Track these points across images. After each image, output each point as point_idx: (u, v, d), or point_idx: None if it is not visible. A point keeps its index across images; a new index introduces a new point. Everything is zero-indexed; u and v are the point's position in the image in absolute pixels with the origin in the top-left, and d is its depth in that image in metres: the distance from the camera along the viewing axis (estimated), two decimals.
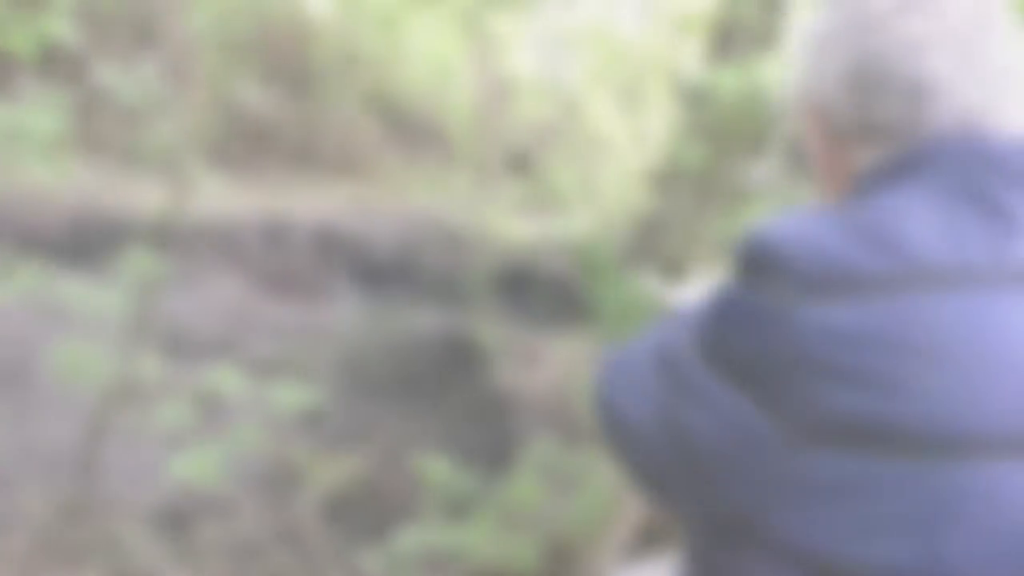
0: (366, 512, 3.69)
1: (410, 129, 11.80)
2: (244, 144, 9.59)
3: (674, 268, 4.10)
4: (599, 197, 6.05)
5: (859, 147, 0.80)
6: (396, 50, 12.05)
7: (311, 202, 8.56)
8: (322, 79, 11.11)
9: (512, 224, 5.57)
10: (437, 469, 3.13)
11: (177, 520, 3.35)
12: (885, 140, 0.78)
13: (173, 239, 6.47)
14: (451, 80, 11.75)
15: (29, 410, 4.11)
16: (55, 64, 9.32)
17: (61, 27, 1.90)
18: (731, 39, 3.94)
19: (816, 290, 0.65)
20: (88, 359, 3.22)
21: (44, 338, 4.87)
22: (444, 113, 12.00)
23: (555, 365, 4.84)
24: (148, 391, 3.52)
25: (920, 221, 0.67)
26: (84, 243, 6.28)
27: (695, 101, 4.19)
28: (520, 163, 11.46)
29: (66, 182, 6.91)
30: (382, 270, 7.15)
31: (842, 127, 0.80)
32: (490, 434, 4.33)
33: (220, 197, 7.82)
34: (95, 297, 3.26)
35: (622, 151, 7.75)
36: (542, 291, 4.93)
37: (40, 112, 3.02)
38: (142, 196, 7.20)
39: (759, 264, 0.70)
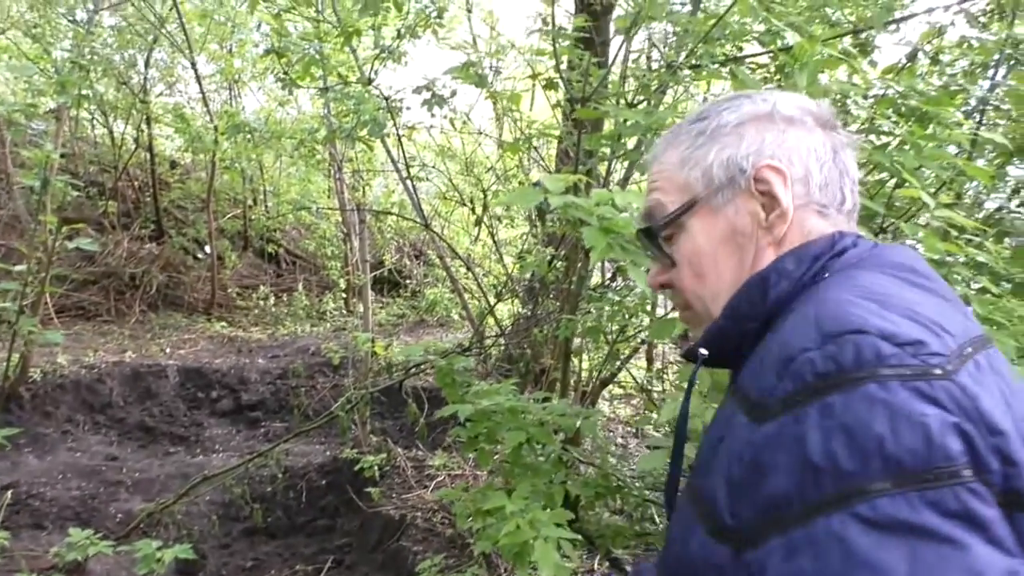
0: None
1: (278, 262, 11.77)
2: (103, 292, 9.27)
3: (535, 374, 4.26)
4: (470, 308, 6.21)
5: (814, 218, 0.94)
6: (256, 187, 12.14)
7: (178, 345, 8.31)
8: (181, 220, 10.99)
9: (385, 344, 5.60)
10: None
11: None
12: (829, 215, 0.95)
13: (26, 400, 6.12)
14: (316, 211, 11.89)
15: None
16: None
17: None
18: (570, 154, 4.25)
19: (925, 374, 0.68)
20: None
21: None
22: (313, 242, 12.08)
23: (439, 479, 4.82)
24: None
25: (926, 306, 0.76)
26: None
27: (542, 214, 4.47)
28: (396, 281, 11.59)
29: None
30: (257, 406, 6.97)
31: (812, 196, 0.94)
32: (380, 560, 4.23)
33: (80, 349, 7.50)
34: None
35: (488, 263, 8.02)
36: (412, 411, 4.95)
37: None
38: None
39: (880, 358, 0.69)
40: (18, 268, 2.96)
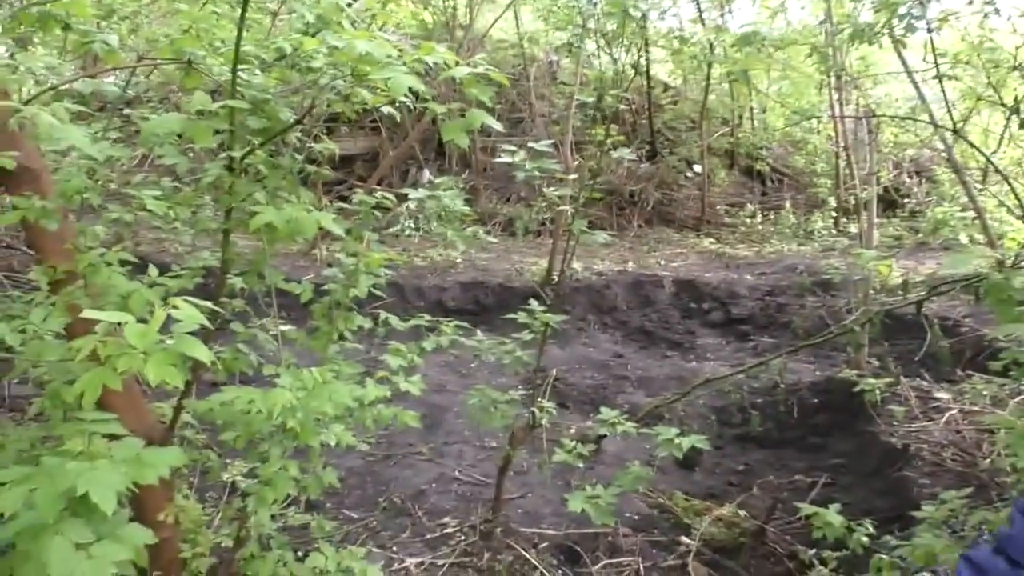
0: (749, 562, 3.64)
1: (765, 179, 11.63)
2: (606, 207, 10.24)
3: None
4: (991, 228, 5.40)
5: None
6: (745, 104, 12.05)
7: (671, 258, 8.83)
8: (673, 141, 11.47)
9: (891, 265, 5.19)
10: (831, 522, 2.99)
11: (571, 553, 3.61)
12: None
13: (556, 299, 7.11)
14: (808, 124, 11.39)
15: (445, 446, 4.76)
16: (445, 157, 10.86)
17: (486, 117, 2.29)
18: None
19: None
20: (494, 405, 3.66)
21: (455, 385, 5.66)
22: (802, 158, 11.64)
23: (951, 414, 4.38)
24: (544, 434, 3.89)
25: None
26: (478, 305, 7.18)
27: None
28: (892, 200, 10.63)
29: (463, 254, 7.99)
30: (747, 320, 7.09)
31: None
32: (880, 486, 4.03)
33: (589, 258, 8.44)
34: (503, 350, 3.71)
35: (1017, 175, 6.84)
36: (936, 334, 4.50)
37: (451, 196, 3.59)
38: (521, 263, 8.04)
39: None
40: (573, 177, 3.40)
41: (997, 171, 4.84)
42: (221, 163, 2.52)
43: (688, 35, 10.99)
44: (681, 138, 11.33)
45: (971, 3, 4.04)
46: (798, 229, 10.15)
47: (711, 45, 9.99)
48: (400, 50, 2.38)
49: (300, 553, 2.95)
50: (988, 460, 3.77)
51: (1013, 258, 2.27)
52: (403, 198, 3.43)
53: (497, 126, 2.38)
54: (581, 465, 3.52)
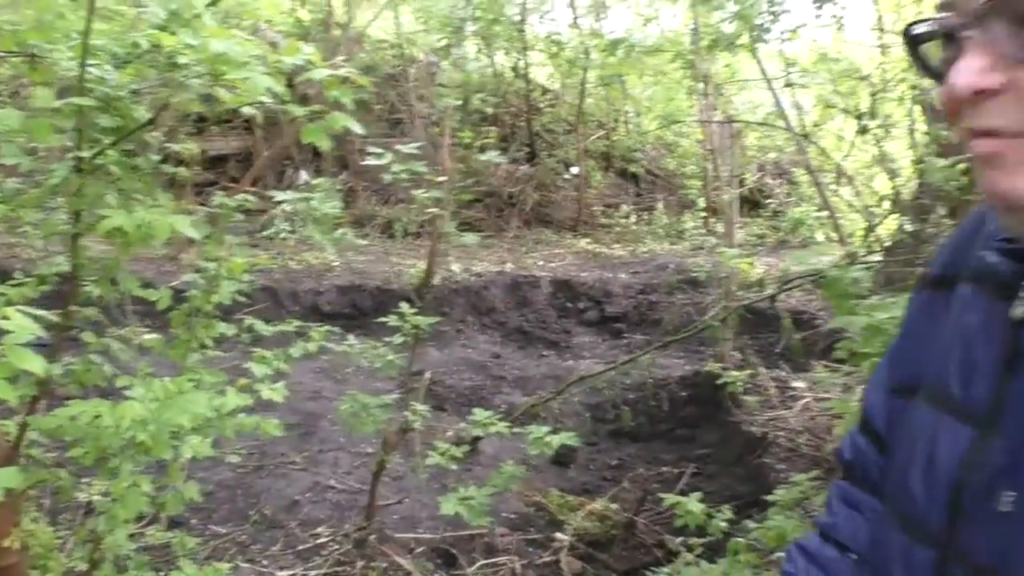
0: (620, 553, 3.76)
1: (639, 181, 12.02)
2: (485, 209, 10.32)
3: None
4: (841, 227, 5.78)
5: None
6: (620, 108, 12.41)
7: (548, 258, 8.99)
8: (551, 143, 11.69)
9: (752, 262, 5.48)
10: (692, 510, 3.13)
11: (447, 556, 3.63)
12: None
13: (429, 302, 7.11)
14: (679, 128, 11.86)
15: (319, 454, 4.67)
16: (321, 157, 10.65)
17: (347, 120, 2.27)
18: None
19: None
20: (367, 409, 3.62)
21: (330, 391, 5.55)
22: (673, 161, 12.11)
23: (805, 402, 4.66)
24: (418, 437, 3.88)
25: None
26: (355, 308, 7.08)
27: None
28: (755, 201, 11.20)
29: (342, 255, 7.86)
30: (621, 318, 7.31)
31: None
32: (741, 473, 4.24)
33: (468, 259, 8.48)
34: (375, 354, 3.68)
35: (863, 178, 7.35)
36: (786, 327, 4.78)
37: (323, 198, 3.54)
38: (400, 265, 7.99)
39: None
40: (441, 179, 3.41)
41: (843, 175, 5.18)
42: (69, 163, 2.38)
43: (565, 39, 11.24)
44: (559, 141, 11.54)
45: (819, 17, 4.31)
46: (670, 229, 10.54)
47: (586, 50, 10.25)
48: (273, 45, 2.32)
49: (162, 574, 2.83)
50: (832, 444, 4.04)
51: (848, 256, 2.44)
52: (268, 200, 3.35)
53: (359, 129, 2.35)
54: (456, 467, 3.54)
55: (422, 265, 7.35)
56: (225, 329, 3.00)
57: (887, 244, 4.69)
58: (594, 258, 9.08)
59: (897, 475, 0.82)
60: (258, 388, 2.93)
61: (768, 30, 3.87)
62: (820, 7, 3.54)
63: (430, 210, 3.27)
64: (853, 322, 2.19)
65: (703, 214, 10.67)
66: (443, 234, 3.31)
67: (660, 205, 11.04)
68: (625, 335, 7.12)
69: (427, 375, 4.40)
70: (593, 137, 11.74)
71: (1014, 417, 0.67)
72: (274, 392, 2.88)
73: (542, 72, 13.01)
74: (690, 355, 6.38)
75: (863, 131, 4.52)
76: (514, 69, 11.53)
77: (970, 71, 0.63)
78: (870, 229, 4.20)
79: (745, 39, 4.26)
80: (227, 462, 4.20)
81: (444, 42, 10.03)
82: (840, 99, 5.81)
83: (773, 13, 4.35)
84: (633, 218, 10.76)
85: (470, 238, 3.40)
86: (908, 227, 4.56)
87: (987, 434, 0.69)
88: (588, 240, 10.04)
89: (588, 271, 8.36)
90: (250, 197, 3.01)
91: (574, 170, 10.91)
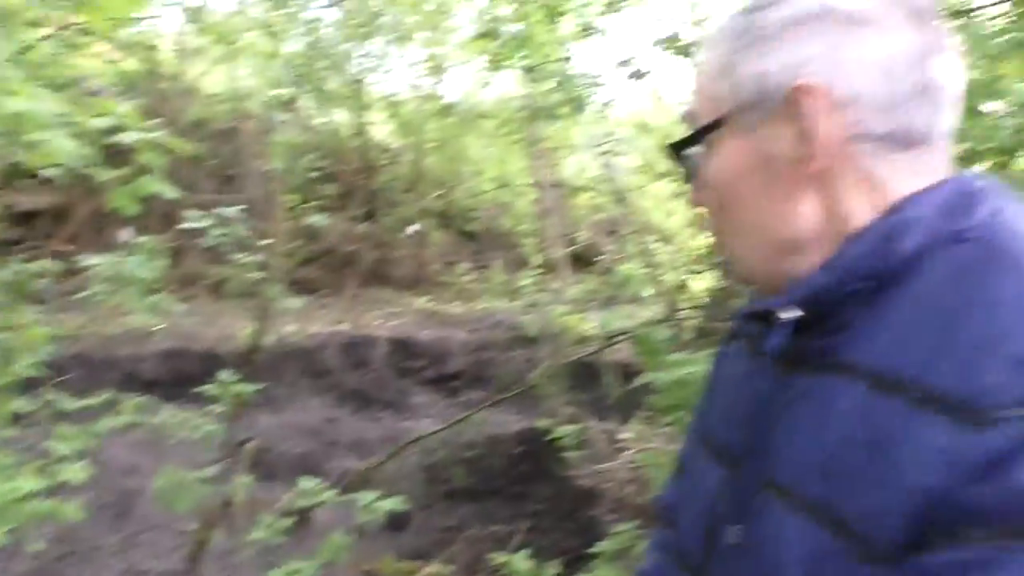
0: None
1: (477, 240, 12.26)
2: (322, 268, 10.13)
3: None
4: (661, 284, 6.15)
5: (873, 152, 0.73)
6: (457, 168, 12.68)
7: (387, 317, 8.93)
8: (390, 201, 11.72)
9: (582, 318, 5.71)
10: (519, 568, 3.17)
11: None
12: (899, 146, 0.74)
13: (260, 365, 6.85)
14: (513, 189, 12.25)
15: (135, 536, 4.35)
16: (147, 214, 10.11)
17: (157, 185, 2.20)
18: None
19: None
20: (186, 484, 3.43)
21: (149, 467, 5.19)
22: (509, 220, 12.45)
23: (632, 453, 4.85)
24: (242, 511, 3.71)
25: None
26: (180, 375, 6.71)
27: None
28: (586, 259, 11.70)
29: (163, 320, 7.44)
30: (458, 376, 7.36)
31: (867, 125, 0.73)
32: (572, 527, 4.34)
33: (303, 320, 8.27)
34: (191, 425, 3.50)
35: (683, 236, 7.88)
36: (614, 381, 5.00)
37: (139, 260, 3.37)
38: (231, 327, 7.67)
39: None
40: (265, 242, 3.34)
41: (659, 234, 5.54)
42: None
43: (404, 99, 11.41)
44: (399, 199, 11.59)
45: (634, 89, 4.63)
46: (507, 286, 10.77)
47: (426, 111, 10.44)
48: (94, 95, 2.22)
49: None
50: (654, 493, 4.23)
51: (661, 313, 2.60)
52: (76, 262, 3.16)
53: (171, 194, 2.29)
54: (284, 540, 3.41)
55: (257, 326, 7.10)
56: (22, 405, 2.78)
57: (704, 300, 5.05)
58: (433, 316, 9.12)
59: (680, 516, 0.91)
60: (58, 468, 2.72)
61: (586, 102, 4.14)
62: (635, 80, 3.81)
63: (253, 275, 3.20)
64: (660, 377, 2.34)
65: (538, 271, 11.00)
66: (270, 299, 3.23)
67: (497, 263, 11.29)
68: (462, 393, 7.16)
69: (252, 444, 4.23)
70: (433, 196, 11.88)
71: (754, 456, 0.76)
72: (75, 472, 2.68)
73: (383, 130, 13.11)
74: (524, 411, 6.50)
75: (678, 194, 4.88)
76: (353, 127, 11.54)
77: (692, 192, 0.84)
78: (681, 287, 4.50)
79: (567, 109, 4.50)
80: (27, 550, 3.83)
81: (280, 98, 9.89)
82: (656, 163, 6.27)
83: (592, 85, 4.62)
84: (471, 276, 10.92)
85: (294, 302, 3.35)
86: (720, 283, 4.94)
87: (734, 473, 0.78)
88: (427, 298, 10.08)
89: (427, 329, 8.37)
90: (51, 263, 2.84)
91: (413, 228, 10.98)
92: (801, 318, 0.74)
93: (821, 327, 0.73)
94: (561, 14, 4.51)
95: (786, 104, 0.74)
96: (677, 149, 0.83)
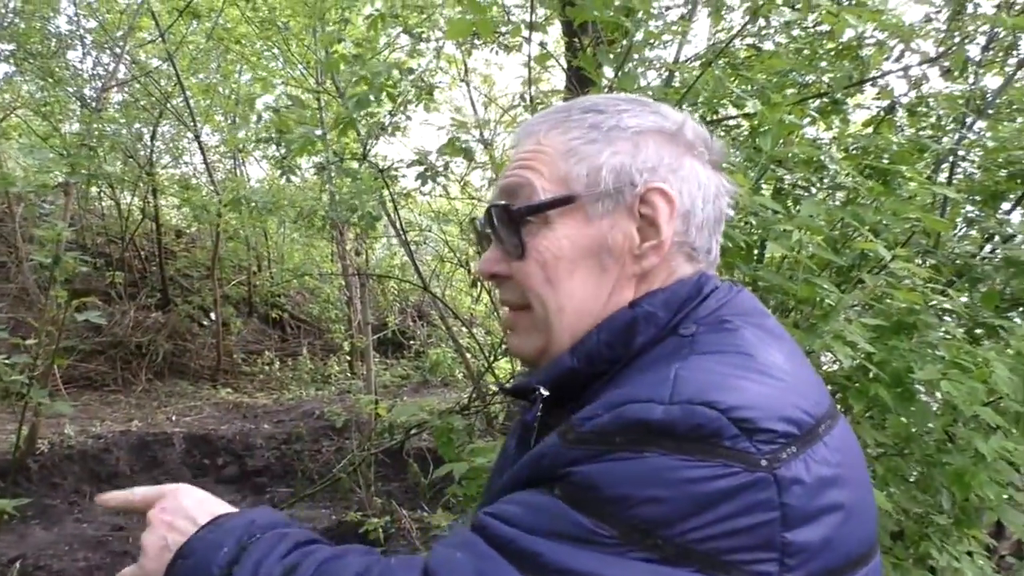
0: None
1: (283, 327, 11.87)
2: (108, 362, 9.35)
3: None
4: (469, 368, 6.27)
5: (682, 259, 0.87)
6: (260, 254, 12.32)
7: (183, 412, 8.36)
8: (186, 289, 11.13)
9: (387, 407, 5.67)
10: None
11: None
12: (698, 258, 0.88)
13: (33, 474, 6.17)
14: (320, 276, 12.05)
15: None
16: None
17: None
18: None
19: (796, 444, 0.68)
20: None
21: None
22: (316, 307, 12.19)
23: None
24: None
25: (792, 375, 0.75)
26: None
27: None
28: (399, 342, 11.66)
29: None
30: (263, 471, 6.99)
31: (689, 236, 0.86)
32: None
33: (86, 419, 7.55)
34: None
35: (487, 322, 8.10)
36: (414, 471, 5.00)
37: None
38: (3, 430, 6.88)
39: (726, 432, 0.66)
40: (29, 342, 3.07)
41: (463, 321, 5.70)
42: None
43: (195, 184, 11.01)
44: (195, 286, 11.05)
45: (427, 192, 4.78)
46: (316, 374, 10.50)
47: (224, 195, 10.10)
48: None
49: None
50: None
51: (460, 404, 2.67)
52: None
53: None
54: None
55: (25, 431, 6.41)
56: None
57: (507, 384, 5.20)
58: (235, 409, 8.67)
59: None
60: None
61: (379, 217, 4.27)
62: (423, 184, 3.95)
63: (13, 378, 2.94)
64: (458, 467, 2.39)
65: (348, 358, 10.82)
66: (36, 402, 2.97)
67: (305, 350, 10.99)
68: (268, 489, 6.82)
69: (19, 564, 3.79)
70: (234, 282, 11.45)
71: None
72: None
73: (177, 215, 12.51)
74: (336, 504, 6.30)
75: (474, 283, 5.06)
76: (142, 211, 10.94)
77: (487, 260, 0.91)
78: (481, 374, 4.64)
79: (359, 219, 4.58)
80: None
81: (52, 182, 9.20)
82: (465, 249, 6.48)
83: (387, 181, 4.73)
84: (277, 364, 10.54)
85: (62, 406, 3.09)
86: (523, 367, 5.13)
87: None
88: (229, 390, 9.58)
89: (228, 423, 7.94)
90: None
91: (213, 316, 10.47)
92: (554, 392, 0.85)
93: (574, 400, 0.82)
94: (353, 124, 4.51)
95: (639, 202, 0.84)
96: (504, 217, 0.87)
